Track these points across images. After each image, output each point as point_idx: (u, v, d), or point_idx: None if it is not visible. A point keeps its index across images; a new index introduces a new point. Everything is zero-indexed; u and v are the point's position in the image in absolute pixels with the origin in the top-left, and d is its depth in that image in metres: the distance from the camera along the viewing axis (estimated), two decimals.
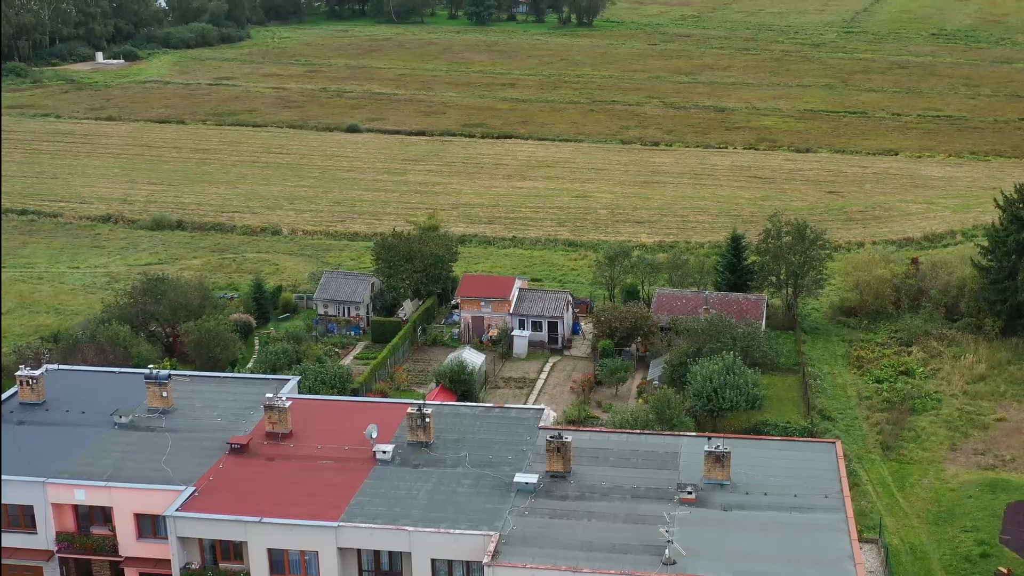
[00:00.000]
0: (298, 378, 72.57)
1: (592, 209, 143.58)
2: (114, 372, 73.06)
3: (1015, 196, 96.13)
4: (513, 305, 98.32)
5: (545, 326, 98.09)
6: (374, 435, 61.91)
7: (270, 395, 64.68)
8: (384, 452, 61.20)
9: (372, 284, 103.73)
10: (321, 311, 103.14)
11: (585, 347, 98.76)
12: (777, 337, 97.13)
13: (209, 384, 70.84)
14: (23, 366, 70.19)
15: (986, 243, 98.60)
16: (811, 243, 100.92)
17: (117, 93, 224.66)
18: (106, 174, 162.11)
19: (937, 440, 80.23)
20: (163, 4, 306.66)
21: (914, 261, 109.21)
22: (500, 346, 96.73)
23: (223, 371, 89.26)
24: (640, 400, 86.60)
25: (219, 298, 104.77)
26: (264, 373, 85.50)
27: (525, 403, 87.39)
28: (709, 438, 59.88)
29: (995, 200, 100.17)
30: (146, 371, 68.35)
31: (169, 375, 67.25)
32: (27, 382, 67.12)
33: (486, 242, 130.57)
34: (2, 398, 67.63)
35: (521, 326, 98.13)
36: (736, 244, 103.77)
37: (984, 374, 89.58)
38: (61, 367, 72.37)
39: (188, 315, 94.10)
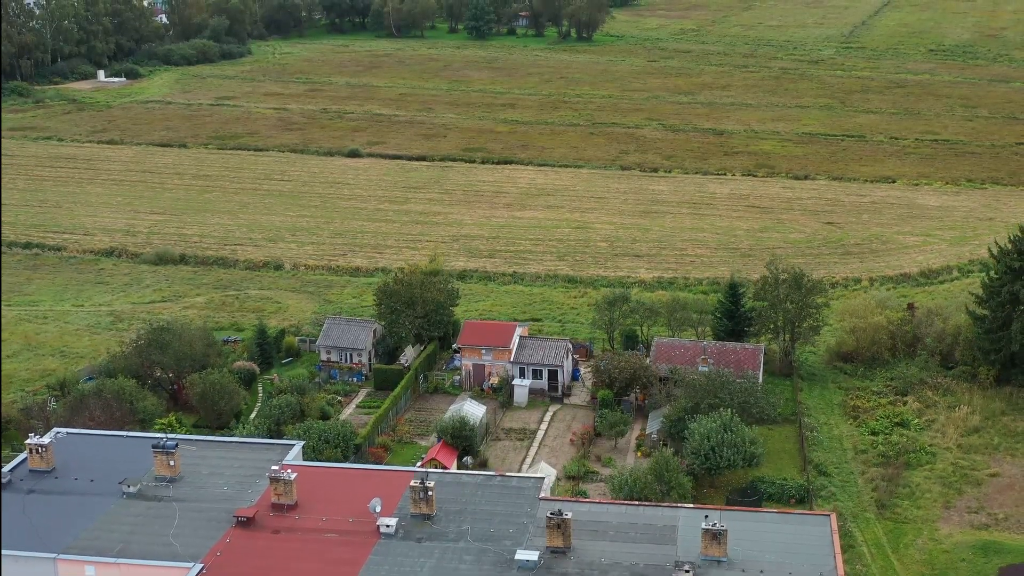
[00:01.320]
0: (302, 443, 73.67)
1: (592, 241, 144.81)
2: (122, 436, 74.24)
3: (1009, 247, 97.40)
4: (514, 353, 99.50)
5: (545, 374, 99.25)
6: (378, 509, 63.19)
7: (275, 467, 65.86)
8: (388, 526, 62.43)
9: (374, 330, 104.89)
10: (324, 357, 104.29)
11: (585, 394, 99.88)
12: (775, 385, 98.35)
13: (215, 450, 72.04)
14: (33, 434, 71.35)
15: (981, 291, 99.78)
16: (808, 292, 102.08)
17: (119, 114, 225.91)
18: (108, 203, 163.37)
19: (931, 497, 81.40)
20: (164, 20, 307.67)
21: (910, 307, 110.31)
22: (501, 394, 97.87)
23: (228, 422, 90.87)
24: (639, 453, 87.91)
25: (222, 343, 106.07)
26: (268, 428, 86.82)
27: (526, 456, 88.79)
28: (707, 516, 60.97)
29: (989, 250, 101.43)
30: (153, 438, 69.65)
31: (176, 444, 68.44)
32: (36, 450, 68.42)
33: (487, 278, 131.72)
34: (8, 467, 68.82)
35: (521, 374, 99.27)
36: (734, 291, 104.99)
37: (978, 426, 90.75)
38: (69, 432, 73.67)
39: (193, 364, 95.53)
